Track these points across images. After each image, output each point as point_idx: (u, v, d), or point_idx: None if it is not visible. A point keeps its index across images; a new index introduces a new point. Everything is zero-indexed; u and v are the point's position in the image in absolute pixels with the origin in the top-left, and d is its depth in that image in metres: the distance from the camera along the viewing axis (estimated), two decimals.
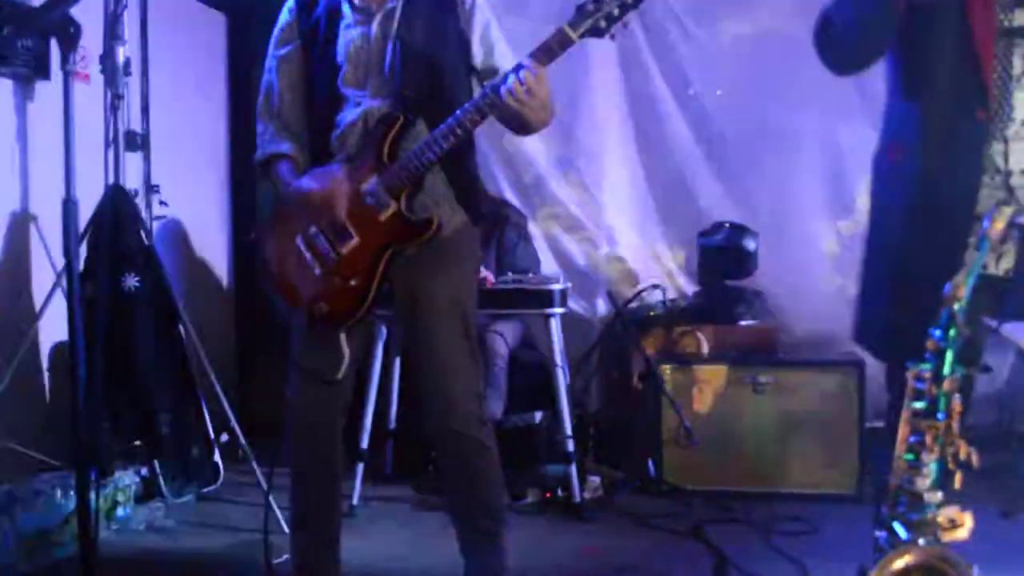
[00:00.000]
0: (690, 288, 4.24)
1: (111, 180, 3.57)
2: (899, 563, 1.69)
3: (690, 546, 3.13)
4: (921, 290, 1.92)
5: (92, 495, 2.01)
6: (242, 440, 3.52)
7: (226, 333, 4.73)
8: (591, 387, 4.08)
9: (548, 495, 3.57)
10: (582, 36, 2.22)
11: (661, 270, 4.30)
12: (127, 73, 3.67)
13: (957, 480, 1.72)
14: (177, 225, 4.36)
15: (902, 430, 1.74)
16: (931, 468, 1.70)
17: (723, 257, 3.98)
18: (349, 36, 2.42)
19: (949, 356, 1.70)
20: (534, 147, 4.25)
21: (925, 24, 2.12)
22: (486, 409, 2.54)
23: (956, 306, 1.70)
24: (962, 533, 1.73)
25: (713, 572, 2.89)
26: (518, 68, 2.21)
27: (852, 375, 3.54)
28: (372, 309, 2.40)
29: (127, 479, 3.39)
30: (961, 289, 1.72)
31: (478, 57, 2.42)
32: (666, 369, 3.68)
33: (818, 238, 4.16)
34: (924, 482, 1.71)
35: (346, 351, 2.39)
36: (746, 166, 4.23)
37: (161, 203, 4.11)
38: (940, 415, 1.70)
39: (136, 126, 4.00)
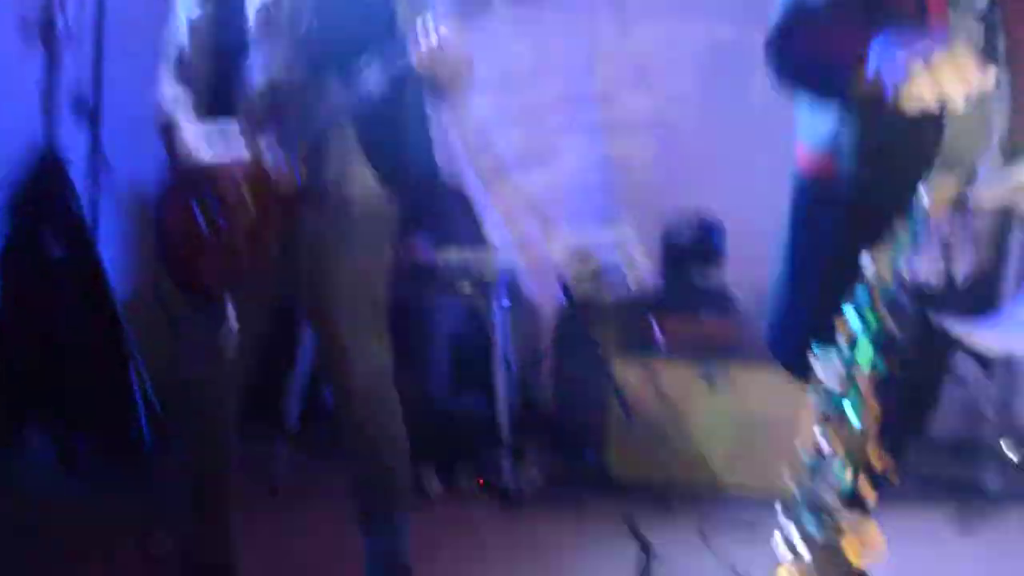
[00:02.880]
0: (654, 275, 4.03)
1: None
2: None
3: (621, 540, 2.88)
4: None
5: None
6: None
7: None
8: (542, 374, 3.88)
9: (481, 481, 3.41)
10: None
11: (624, 255, 4.09)
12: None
13: (871, 497, 1.43)
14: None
15: (806, 429, 1.51)
16: (839, 478, 1.46)
17: (689, 249, 3.79)
18: None
19: (865, 345, 1.42)
20: (496, 122, 4.03)
21: None
22: (394, 389, 2.38)
23: (878, 285, 1.38)
24: (876, 557, 1.49)
25: (638, 567, 2.71)
26: (426, 25, 2.06)
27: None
28: (264, 280, 2.27)
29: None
30: (885, 264, 1.37)
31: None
32: (618, 359, 3.49)
33: None
34: (832, 495, 1.45)
35: (232, 320, 2.23)
36: (719, 156, 3.98)
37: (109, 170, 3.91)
38: (851, 416, 1.46)
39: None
